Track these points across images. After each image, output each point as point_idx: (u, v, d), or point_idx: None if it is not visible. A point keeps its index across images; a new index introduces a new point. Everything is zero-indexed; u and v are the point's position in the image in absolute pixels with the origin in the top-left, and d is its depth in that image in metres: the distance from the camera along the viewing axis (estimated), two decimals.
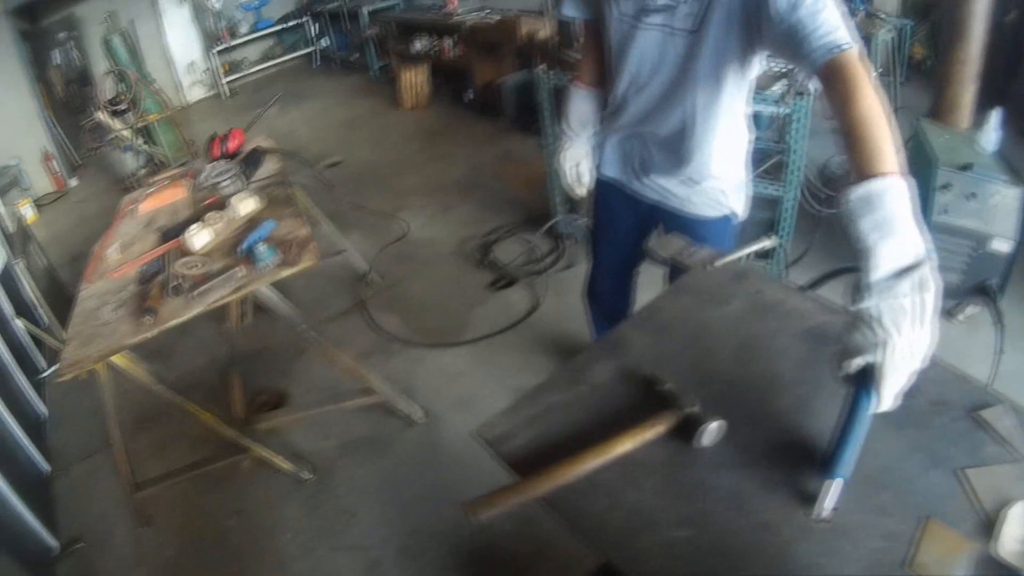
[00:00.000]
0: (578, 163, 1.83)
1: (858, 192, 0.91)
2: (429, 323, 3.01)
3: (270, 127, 5.14)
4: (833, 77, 1.07)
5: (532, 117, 4.88)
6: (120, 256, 2.23)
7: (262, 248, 1.86)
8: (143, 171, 4.90)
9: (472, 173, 4.43)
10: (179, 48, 6.52)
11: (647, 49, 1.50)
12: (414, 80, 5.57)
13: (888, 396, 0.86)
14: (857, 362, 0.87)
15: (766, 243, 1.40)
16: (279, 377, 2.80)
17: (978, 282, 2.61)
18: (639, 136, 1.72)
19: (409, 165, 4.73)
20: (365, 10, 6.34)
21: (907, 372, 0.86)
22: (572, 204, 3.33)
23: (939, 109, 3.37)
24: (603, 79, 1.76)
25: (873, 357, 0.86)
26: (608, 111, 1.76)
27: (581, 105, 1.81)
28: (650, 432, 0.97)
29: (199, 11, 6.57)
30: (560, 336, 2.84)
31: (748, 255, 1.37)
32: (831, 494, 0.86)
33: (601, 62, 1.72)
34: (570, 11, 1.74)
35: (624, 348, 1.19)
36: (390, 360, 2.81)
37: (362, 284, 3.32)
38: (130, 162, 4.97)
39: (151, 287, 1.90)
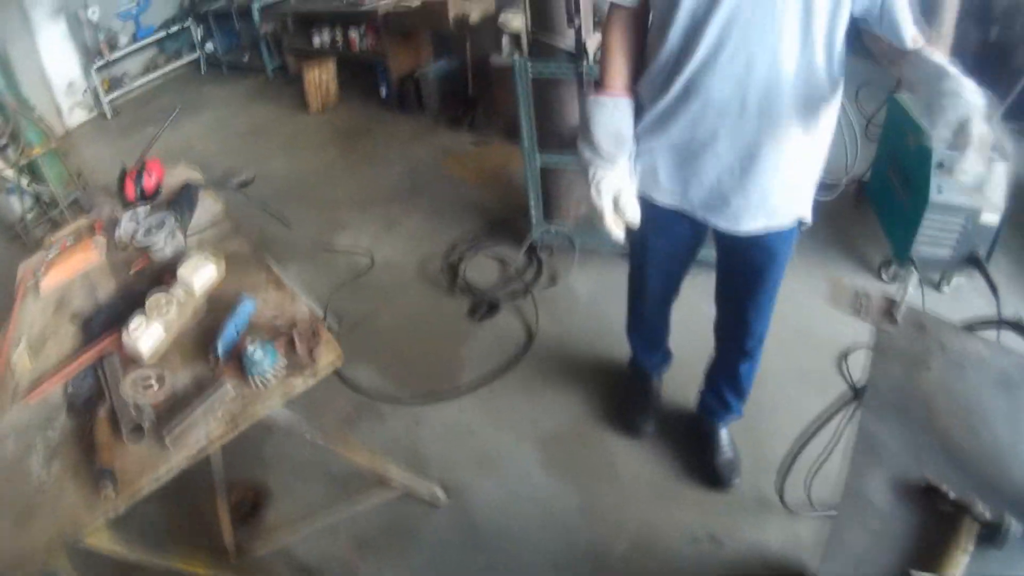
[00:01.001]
0: (618, 194, 1.45)
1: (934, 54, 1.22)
2: (413, 371, 2.61)
3: (164, 147, 4.46)
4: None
5: (461, 109, 4.52)
6: (32, 364, 1.70)
7: (255, 351, 1.37)
8: (32, 214, 4.18)
9: (407, 177, 4.00)
10: (56, 68, 5.62)
11: None
12: (320, 78, 5.00)
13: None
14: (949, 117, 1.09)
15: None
16: (252, 464, 2.32)
17: (967, 252, 2.71)
18: (718, 138, 1.39)
19: (332, 175, 4.22)
20: (257, 6, 5.66)
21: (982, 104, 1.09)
22: (547, 211, 2.99)
23: None
24: (633, 81, 1.49)
25: (959, 105, 1.09)
26: (654, 115, 1.44)
27: (612, 118, 1.44)
28: (964, 554, 0.94)
29: (75, 24, 5.67)
30: (568, 363, 2.54)
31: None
32: None
33: (636, 58, 1.46)
34: None
35: (878, 450, 1.13)
36: (382, 425, 2.40)
37: None
38: (17, 206, 4.22)
39: (92, 421, 1.41)
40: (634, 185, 1.49)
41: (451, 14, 4.32)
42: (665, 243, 1.71)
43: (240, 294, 1.63)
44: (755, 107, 1.31)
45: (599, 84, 1.49)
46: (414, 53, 4.84)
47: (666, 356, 2.28)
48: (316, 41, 5.20)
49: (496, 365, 2.55)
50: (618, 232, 1.46)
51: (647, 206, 1.51)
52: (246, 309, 1.57)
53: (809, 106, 1.33)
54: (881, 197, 3.27)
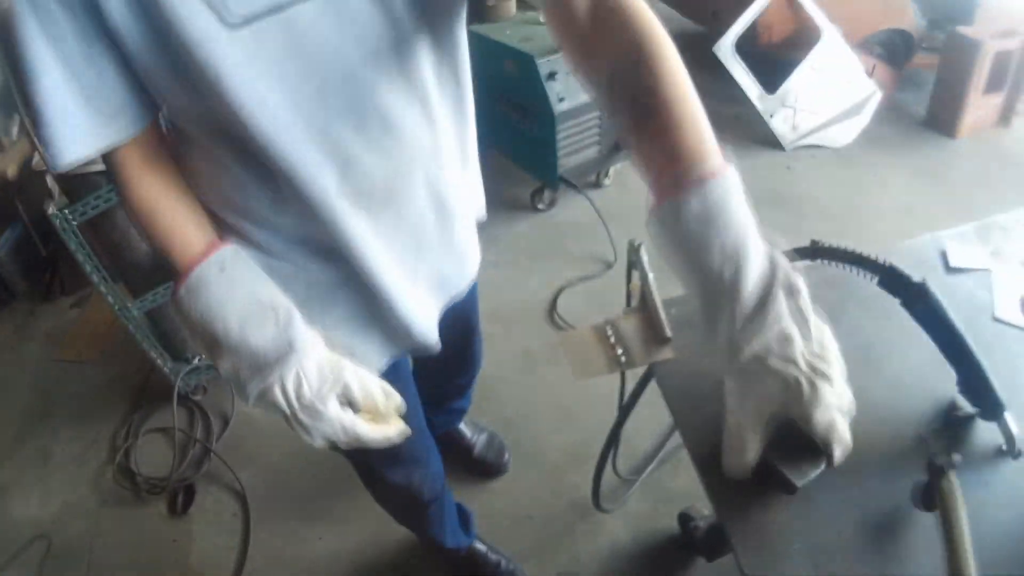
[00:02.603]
0: (349, 386, 0.85)
1: (695, 206, 0.66)
2: None
3: None
4: (609, 31, 0.73)
5: (45, 276, 3.81)
6: None
7: None
8: None
9: (32, 390, 3.28)
10: None
11: (324, 48, 0.76)
12: None
13: (833, 433, 0.71)
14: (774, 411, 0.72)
15: None
16: None
17: (615, 140, 2.66)
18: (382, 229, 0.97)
19: None
20: None
21: (833, 391, 0.70)
22: (176, 351, 2.55)
23: (482, 10, 3.14)
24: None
25: (788, 402, 0.70)
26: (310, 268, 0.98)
27: (238, 289, 0.84)
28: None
29: None
30: (299, 502, 2.28)
31: None
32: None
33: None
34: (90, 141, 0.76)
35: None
36: None
37: None
38: None
39: None
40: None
41: None
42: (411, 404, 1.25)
43: None
44: (401, 161, 0.94)
45: (175, 266, 0.85)
46: None
47: (466, 516, 1.92)
48: None
49: (233, 551, 2.21)
50: (394, 431, 0.90)
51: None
52: None
53: (454, 125, 1.03)
54: (499, 133, 3.18)
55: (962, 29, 3.39)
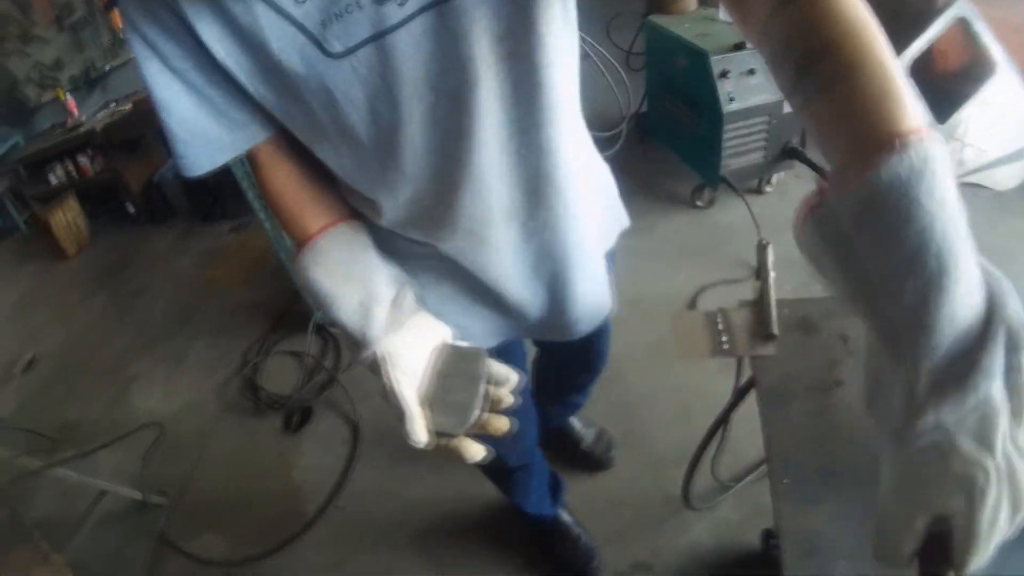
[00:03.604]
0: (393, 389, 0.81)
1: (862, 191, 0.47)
2: (257, 517, 2.26)
3: None
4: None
5: (209, 200, 4.12)
6: None
7: None
8: None
9: (178, 299, 3.58)
10: None
11: (440, 62, 0.70)
12: (66, 219, 4.45)
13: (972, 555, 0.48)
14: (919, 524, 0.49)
15: None
16: None
17: (782, 147, 2.54)
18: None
19: (106, 324, 3.71)
20: None
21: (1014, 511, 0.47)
22: None
23: (661, 1, 3.14)
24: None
25: (954, 511, 0.48)
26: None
27: (364, 249, 0.88)
28: None
29: None
30: (406, 445, 2.22)
31: None
32: None
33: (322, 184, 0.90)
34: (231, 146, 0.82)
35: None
36: None
37: (149, 514, 2.38)
38: None
39: None
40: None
41: None
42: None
43: None
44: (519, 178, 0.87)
45: (298, 244, 0.89)
46: (148, 159, 4.43)
47: (557, 486, 1.88)
48: (52, 180, 4.67)
49: (334, 475, 2.27)
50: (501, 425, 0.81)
51: None
52: None
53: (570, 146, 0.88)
54: (667, 127, 3.13)
55: None
